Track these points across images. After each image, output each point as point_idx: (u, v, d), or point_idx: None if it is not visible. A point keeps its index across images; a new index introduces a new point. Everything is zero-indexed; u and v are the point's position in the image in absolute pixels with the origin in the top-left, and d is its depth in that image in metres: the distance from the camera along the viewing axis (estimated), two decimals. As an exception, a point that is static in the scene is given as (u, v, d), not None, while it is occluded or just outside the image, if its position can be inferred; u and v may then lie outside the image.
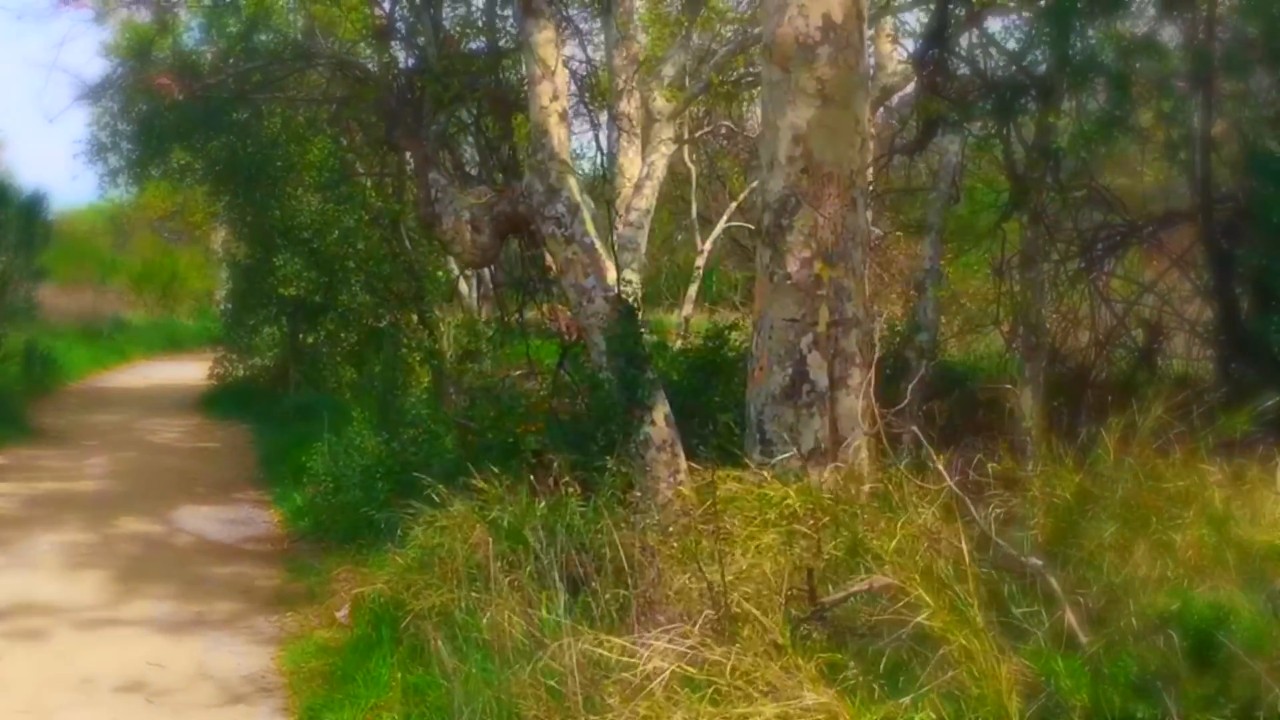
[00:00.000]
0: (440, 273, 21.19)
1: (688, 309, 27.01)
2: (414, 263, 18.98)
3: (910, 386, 10.85)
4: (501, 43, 13.03)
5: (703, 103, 24.16)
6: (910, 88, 15.70)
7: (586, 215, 11.13)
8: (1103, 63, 9.56)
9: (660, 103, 20.65)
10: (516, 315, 15.35)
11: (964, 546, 5.64)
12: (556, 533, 7.25)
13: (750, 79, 24.04)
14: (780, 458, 8.99)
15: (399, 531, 8.89)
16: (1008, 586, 5.67)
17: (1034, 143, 10.20)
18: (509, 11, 12.80)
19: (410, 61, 13.30)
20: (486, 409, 11.40)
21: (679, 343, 17.65)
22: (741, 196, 25.50)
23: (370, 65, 14.21)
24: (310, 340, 21.89)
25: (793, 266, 9.02)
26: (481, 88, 12.64)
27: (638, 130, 20.66)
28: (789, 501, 7.47)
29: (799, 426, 9.08)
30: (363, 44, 15.93)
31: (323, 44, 15.95)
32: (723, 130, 26.78)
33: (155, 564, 10.92)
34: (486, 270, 27.88)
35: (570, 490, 8.27)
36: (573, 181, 11.18)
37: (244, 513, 13.31)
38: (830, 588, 5.79)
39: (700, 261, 28.12)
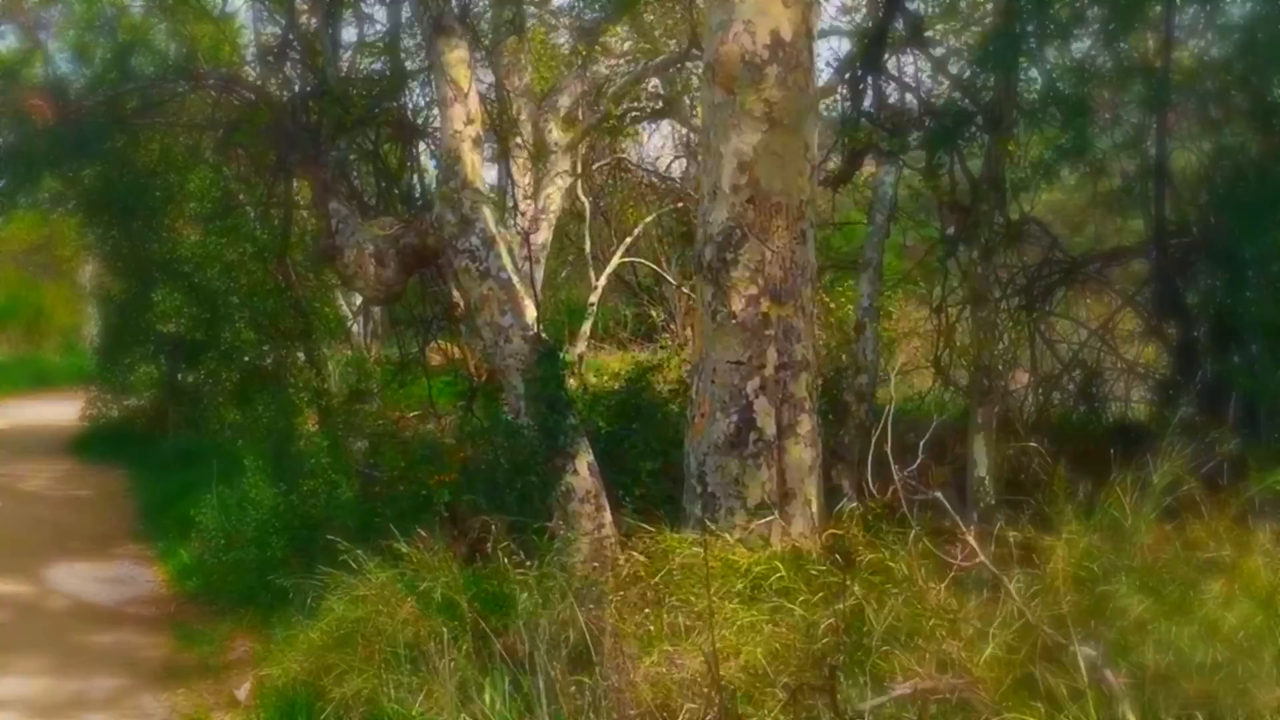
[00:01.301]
0: (328, 309, 20.18)
1: (581, 346, 26.18)
2: (301, 298, 17.92)
3: (847, 434, 10.26)
4: (408, 64, 12.12)
5: (599, 135, 23.54)
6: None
7: (503, 249, 10.35)
8: (1058, 88, 8.92)
9: (556, 134, 19.92)
10: (416, 354, 14.41)
11: (996, 630, 4.88)
12: (497, 607, 6.35)
13: (635, 114, 23.59)
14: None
15: (309, 600, 7.89)
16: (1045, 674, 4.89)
17: (983, 173, 9.55)
18: (416, 30, 11.91)
19: (307, 83, 12.30)
20: (394, 456, 10.47)
21: (572, 381, 16.91)
22: (636, 232, 24.72)
23: (265, 86, 13.18)
24: (190, 379, 20.64)
25: (738, 305, 8.30)
26: (384, 112, 11.73)
27: (529, 164, 19.91)
28: (762, 569, 6.62)
29: (745, 479, 8.37)
30: (250, 65, 14.99)
31: (204, 66, 14.92)
32: (617, 164, 26.23)
33: (26, 632, 9.88)
34: (377, 306, 27.10)
35: (503, 552, 7.34)
36: (488, 212, 10.39)
37: (124, 570, 12.19)
38: (843, 680, 4.97)
39: (594, 298, 27.36)
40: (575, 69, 21.57)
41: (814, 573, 6.85)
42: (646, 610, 6.51)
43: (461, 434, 11.22)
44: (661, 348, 23.59)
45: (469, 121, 10.40)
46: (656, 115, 26.63)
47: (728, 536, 7.86)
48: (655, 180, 26.48)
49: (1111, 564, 5.52)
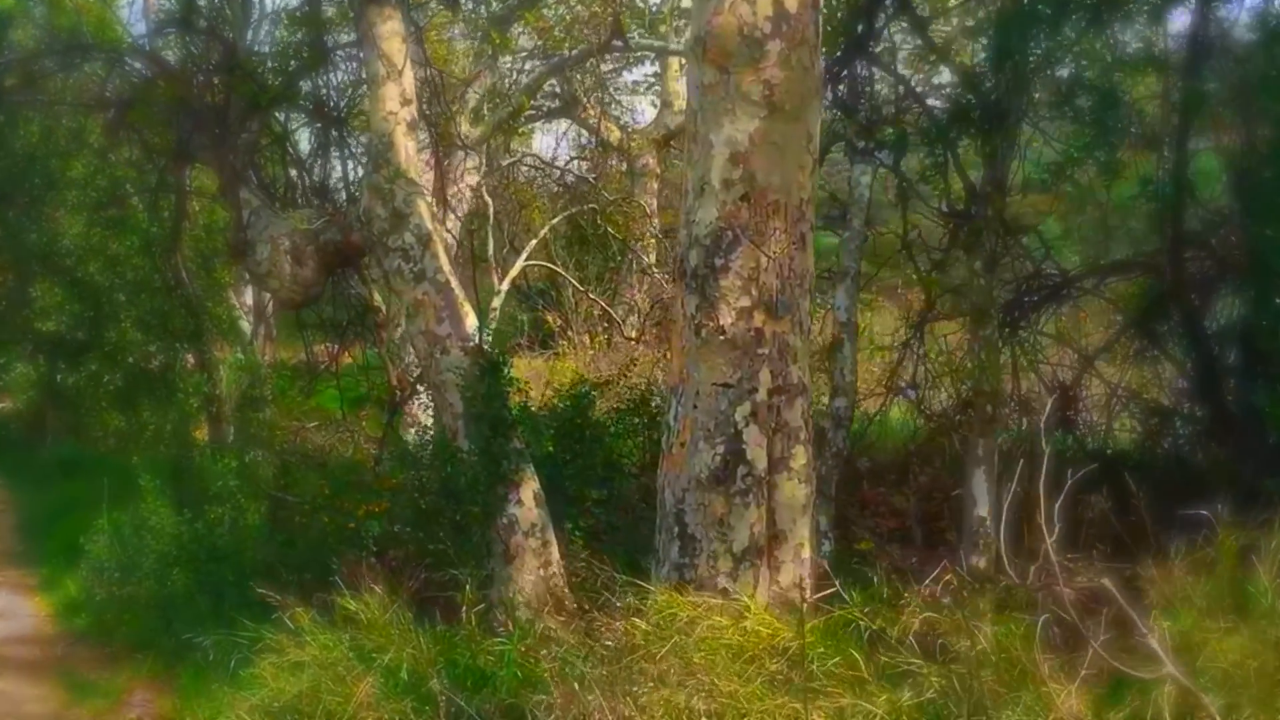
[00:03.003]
0: (220, 309, 18.76)
1: (483, 353, 24.87)
2: (192, 297, 16.50)
3: (824, 464, 9.20)
4: (333, 38, 10.76)
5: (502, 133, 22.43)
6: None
7: (440, 248, 9.10)
8: (1084, 76, 7.86)
9: (465, 127, 18.69)
10: (326, 363, 13.04)
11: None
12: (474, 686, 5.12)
13: (532, 113, 22.48)
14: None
15: (231, 661, 6.59)
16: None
17: (985, 174, 8.47)
18: (343, -1, 10.60)
19: (213, 56, 10.86)
20: (314, 481, 9.16)
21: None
22: (543, 233, 23.53)
23: (165, 59, 11.70)
24: (71, 382, 19.07)
25: (727, 318, 7.14)
26: (303, 91, 10.39)
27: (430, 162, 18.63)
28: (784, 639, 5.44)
29: (731, 519, 7.24)
30: (141, 40, 13.49)
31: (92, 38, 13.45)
32: (534, 163, 25.11)
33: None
34: (268, 306, 25.55)
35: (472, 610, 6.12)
36: (423, 206, 9.18)
37: (1, 601, 10.66)
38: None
39: (496, 303, 26.11)
40: (485, 59, 20.41)
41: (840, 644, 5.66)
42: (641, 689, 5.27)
43: (388, 457, 9.91)
44: (556, 355, 22.51)
45: (405, 102, 9.16)
46: (553, 115, 25.63)
47: (747, 601, 6.66)
48: (566, 181, 25.36)
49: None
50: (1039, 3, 8.13)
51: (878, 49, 9.49)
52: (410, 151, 9.20)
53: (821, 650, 5.58)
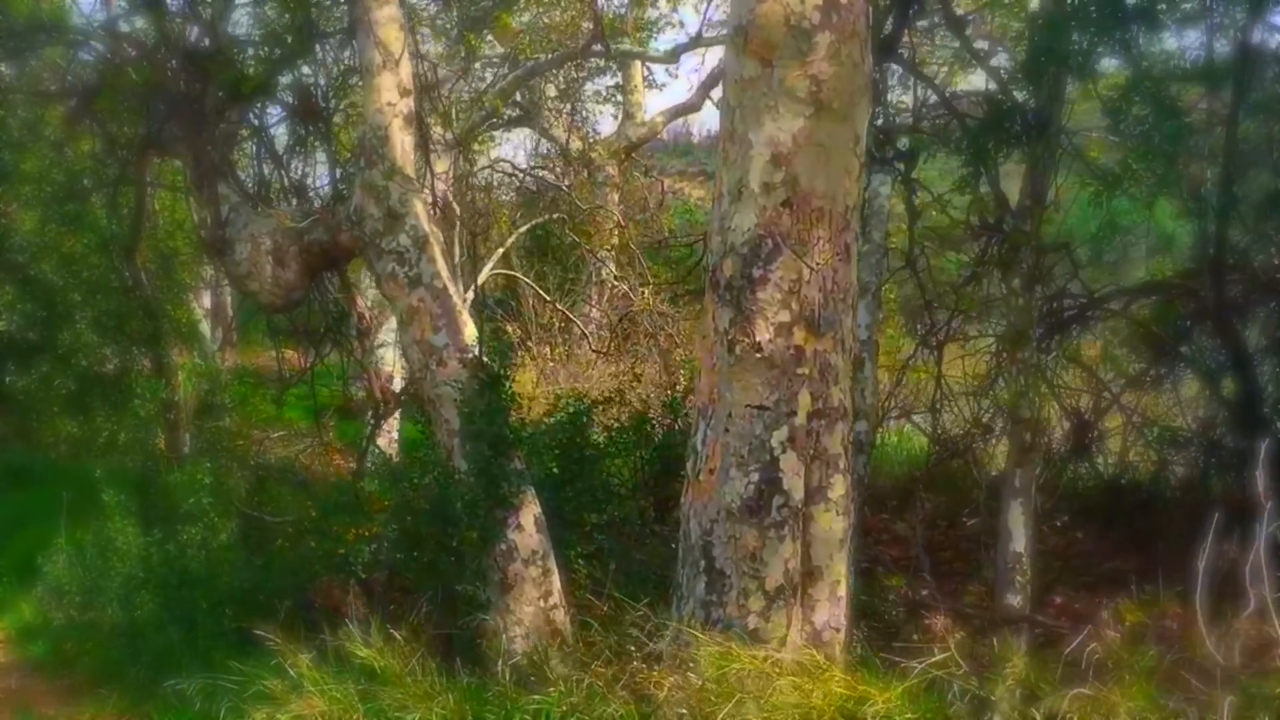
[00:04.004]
0: (180, 311, 18.01)
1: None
2: (151, 298, 15.76)
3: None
4: (324, 24, 10.06)
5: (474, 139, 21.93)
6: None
7: (438, 251, 8.47)
8: (1140, 85, 7.31)
9: (438, 130, 18.10)
10: (301, 372, 12.30)
11: None
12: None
13: (494, 120, 21.99)
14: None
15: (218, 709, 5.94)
16: None
17: (1026, 186, 7.92)
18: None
19: (187, 40, 10.10)
20: (296, 499, 8.48)
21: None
22: (511, 240, 22.91)
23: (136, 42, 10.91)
24: (20, 385, 18.19)
25: (764, 334, 6.54)
26: (288, 80, 9.72)
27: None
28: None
29: (764, 554, 6.60)
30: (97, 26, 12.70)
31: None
32: (498, 167, 24.44)
33: None
34: (229, 309, 24.80)
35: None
36: (420, 206, 8.54)
37: (-52, 624, 9.96)
38: None
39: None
40: (458, 61, 19.93)
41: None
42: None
43: (372, 473, 9.24)
44: (517, 366, 21.90)
45: (404, 93, 8.52)
46: (514, 123, 25.09)
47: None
48: (538, 188, 24.73)
49: None
50: (1087, 3, 7.57)
51: (904, 50, 8.91)
52: (407, 147, 8.59)
53: None
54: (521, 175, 24.45)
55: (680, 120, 27.10)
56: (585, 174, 24.67)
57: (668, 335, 21.90)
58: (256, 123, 10.65)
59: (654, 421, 10.79)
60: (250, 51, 9.85)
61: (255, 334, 22.42)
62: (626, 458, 10.48)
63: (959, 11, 9.07)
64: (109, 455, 15.67)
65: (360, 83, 8.84)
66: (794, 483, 6.59)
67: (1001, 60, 9.43)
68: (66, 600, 8.97)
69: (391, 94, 8.49)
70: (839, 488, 6.73)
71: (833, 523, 6.74)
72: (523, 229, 23.28)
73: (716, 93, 24.20)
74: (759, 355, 6.55)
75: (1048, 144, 7.95)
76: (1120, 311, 9.32)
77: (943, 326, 9.47)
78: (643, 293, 22.06)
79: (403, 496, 8.47)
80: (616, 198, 24.40)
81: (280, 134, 10.37)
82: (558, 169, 25.38)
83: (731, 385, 6.64)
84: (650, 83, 25.08)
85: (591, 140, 25.03)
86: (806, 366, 6.56)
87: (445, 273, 8.46)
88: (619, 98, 25.14)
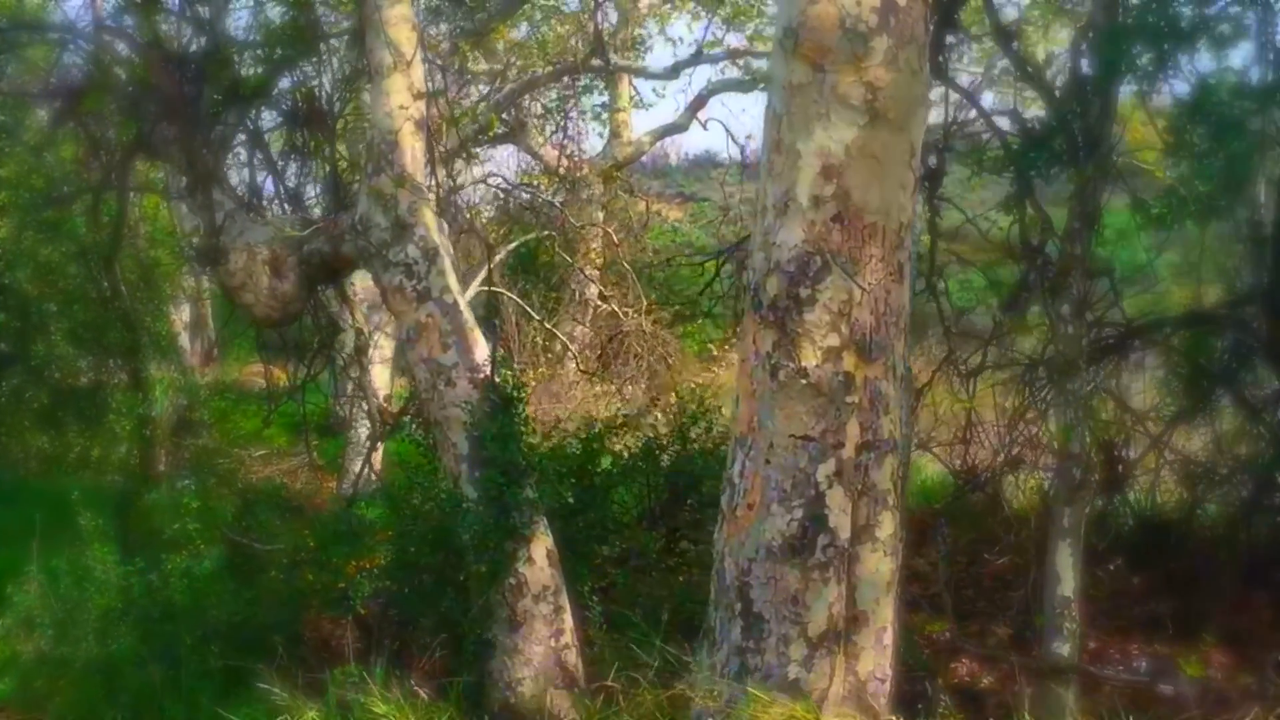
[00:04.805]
0: (160, 324, 17.55)
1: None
2: (130, 310, 15.28)
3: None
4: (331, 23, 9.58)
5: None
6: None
7: (448, 264, 7.98)
8: (1208, 102, 6.88)
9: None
10: (290, 391, 11.77)
11: None
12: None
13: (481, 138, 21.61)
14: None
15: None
16: None
17: (1075, 207, 7.48)
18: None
19: (183, 37, 9.59)
20: (293, 528, 7.98)
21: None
22: (500, 256, 22.47)
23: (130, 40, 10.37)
24: (-8, 398, 17.63)
25: (811, 359, 6.06)
26: (292, 81, 9.21)
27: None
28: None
29: (807, 597, 6.09)
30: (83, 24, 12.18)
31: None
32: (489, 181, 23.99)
33: None
34: (210, 321, 24.22)
35: None
36: (430, 216, 8.05)
37: (-98, 657, 9.32)
38: None
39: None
40: (452, 73, 19.52)
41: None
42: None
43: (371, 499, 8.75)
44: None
45: (416, 96, 8.04)
46: (499, 140, 24.69)
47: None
48: (532, 205, 24.30)
49: None
50: (1146, 14, 7.14)
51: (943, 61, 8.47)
52: (417, 153, 8.13)
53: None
54: (515, 191, 23.99)
55: (658, 143, 26.87)
56: (573, 192, 24.30)
57: (659, 356, 21.51)
58: (255, 126, 10.16)
59: (664, 446, 10.33)
60: (250, 52, 9.32)
61: (237, 349, 21.89)
62: (630, 485, 10.04)
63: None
64: (81, 472, 15.25)
65: (368, 85, 8.37)
66: (841, 520, 6.11)
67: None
68: (38, 632, 8.39)
69: (403, 96, 8.03)
70: (888, 526, 6.27)
71: (880, 564, 6.28)
72: (512, 245, 22.86)
73: (704, 114, 23.98)
74: (805, 382, 6.07)
75: (1100, 163, 7.51)
76: (1164, 341, 8.89)
77: (978, 350, 9.01)
78: (628, 312, 21.77)
79: (404, 525, 7.98)
80: (601, 216, 24.06)
81: (279, 138, 9.88)
82: (546, 186, 25.02)
83: (774, 414, 6.16)
84: (638, 102, 24.83)
85: (578, 158, 24.69)
86: (856, 394, 6.10)
87: (456, 287, 8.00)
88: (604, 116, 24.84)
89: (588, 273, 22.91)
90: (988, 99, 11.07)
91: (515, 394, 7.79)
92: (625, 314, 21.62)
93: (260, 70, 9.15)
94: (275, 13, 9.23)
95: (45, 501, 10.98)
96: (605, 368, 21.41)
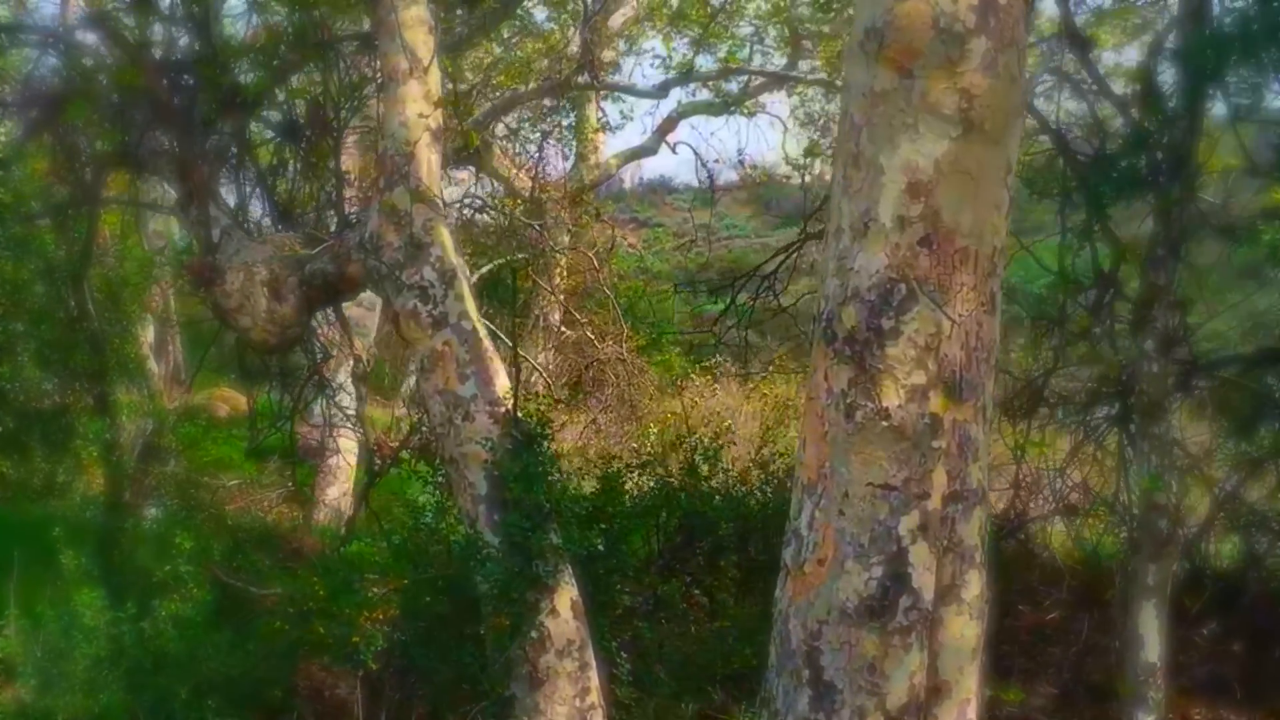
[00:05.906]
0: (129, 346, 16.86)
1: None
2: (99, 331, 14.60)
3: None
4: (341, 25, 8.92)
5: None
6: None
7: (466, 288, 7.32)
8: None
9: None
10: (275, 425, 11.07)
11: None
12: None
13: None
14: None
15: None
16: None
17: (1159, 235, 6.88)
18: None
19: (176, 41, 8.90)
20: (302, 576, 7.32)
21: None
22: (474, 279, 21.80)
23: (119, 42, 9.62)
24: (-45, 423, 16.83)
25: (893, 399, 5.44)
26: (294, 88, 8.54)
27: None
28: None
29: (886, 665, 5.45)
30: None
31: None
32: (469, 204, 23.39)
33: None
34: (178, 343, 23.45)
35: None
36: (446, 235, 7.39)
37: None
38: None
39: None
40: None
41: None
42: None
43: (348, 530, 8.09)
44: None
45: (433, 104, 7.39)
46: (461, 162, 24.14)
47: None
48: (510, 223, 23.69)
49: None
50: (1240, 22, 6.57)
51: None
52: (434, 166, 7.50)
53: None
54: (487, 212, 23.37)
55: (623, 166, 26.54)
56: (539, 215, 23.78)
57: (636, 385, 21.00)
58: (258, 136, 9.47)
59: (681, 486, 9.71)
60: (249, 56, 8.63)
61: (206, 372, 21.15)
62: (640, 528, 9.44)
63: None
64: (47, 499, 14.58)
65: (380, 93, 7.71)
66: (925, 579, 5.48)
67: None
68: (20, 682, 7.65)
69: (420, 104, 7.43)
70: (974, 586, 5.64)
71: (965, 628, 5.65)
72: (484, 269, 22.27)
73: (673, 136, 23.53)
74: (886, 424, 5.44)
75: (1186, 185, 6.92)
76: (1236, 379, 8.31)
77: (1040, 381, 8.38)
78: (601, 339, 21.31)
79: (416, 573, 7.30)
80: (567, 240, 23.54)
81: (274, 150, 9.20)
82: (511, 208, 24.46)
83: (849, 459, 5.52)
84: (604, 124, 24.40)
85: (542, 180, 24.17)
86: (944, 439, 5.47)
87: (475, 313, 7.34)
88: (570, 139, 24.39)
89: (555, 298, 22.40)
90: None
91: (540, 430, 7.14)
92: (597, 341, 21.17)
93: (260, 76, 8.45)
94: (275, 14, 8.54)
95: (14, 532, 10.26)
96: (574, 395, 20.87)
